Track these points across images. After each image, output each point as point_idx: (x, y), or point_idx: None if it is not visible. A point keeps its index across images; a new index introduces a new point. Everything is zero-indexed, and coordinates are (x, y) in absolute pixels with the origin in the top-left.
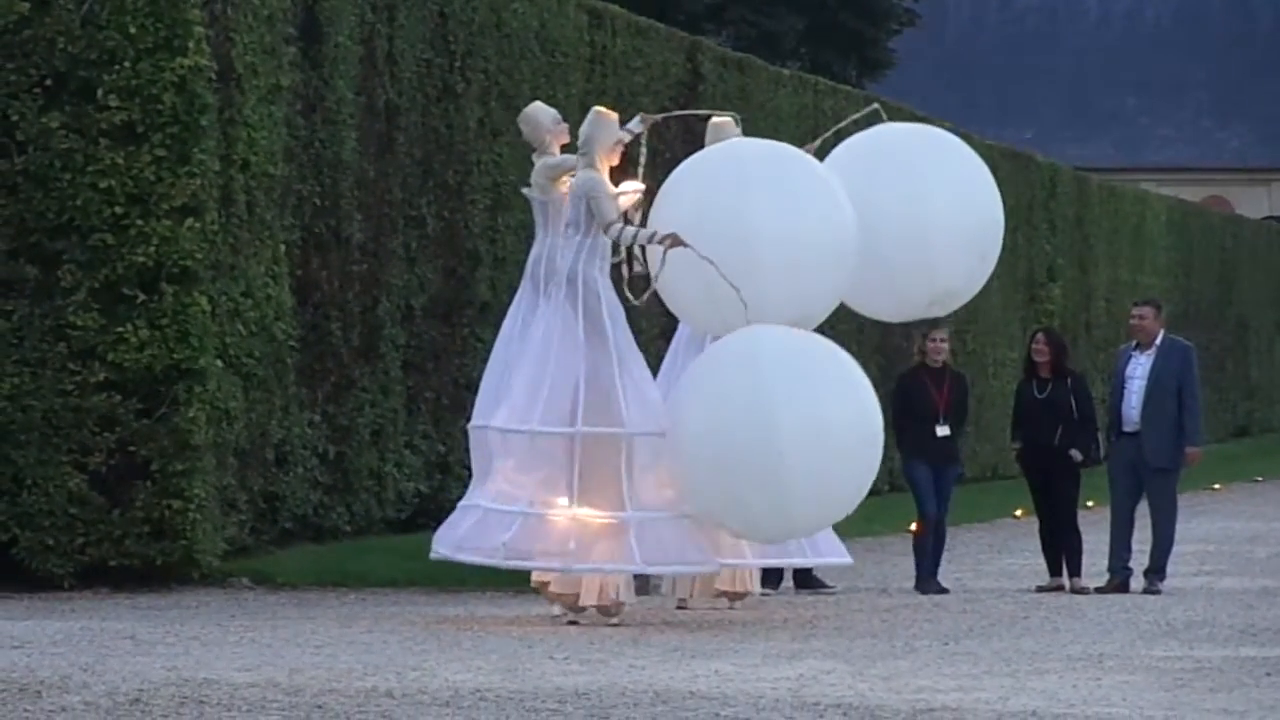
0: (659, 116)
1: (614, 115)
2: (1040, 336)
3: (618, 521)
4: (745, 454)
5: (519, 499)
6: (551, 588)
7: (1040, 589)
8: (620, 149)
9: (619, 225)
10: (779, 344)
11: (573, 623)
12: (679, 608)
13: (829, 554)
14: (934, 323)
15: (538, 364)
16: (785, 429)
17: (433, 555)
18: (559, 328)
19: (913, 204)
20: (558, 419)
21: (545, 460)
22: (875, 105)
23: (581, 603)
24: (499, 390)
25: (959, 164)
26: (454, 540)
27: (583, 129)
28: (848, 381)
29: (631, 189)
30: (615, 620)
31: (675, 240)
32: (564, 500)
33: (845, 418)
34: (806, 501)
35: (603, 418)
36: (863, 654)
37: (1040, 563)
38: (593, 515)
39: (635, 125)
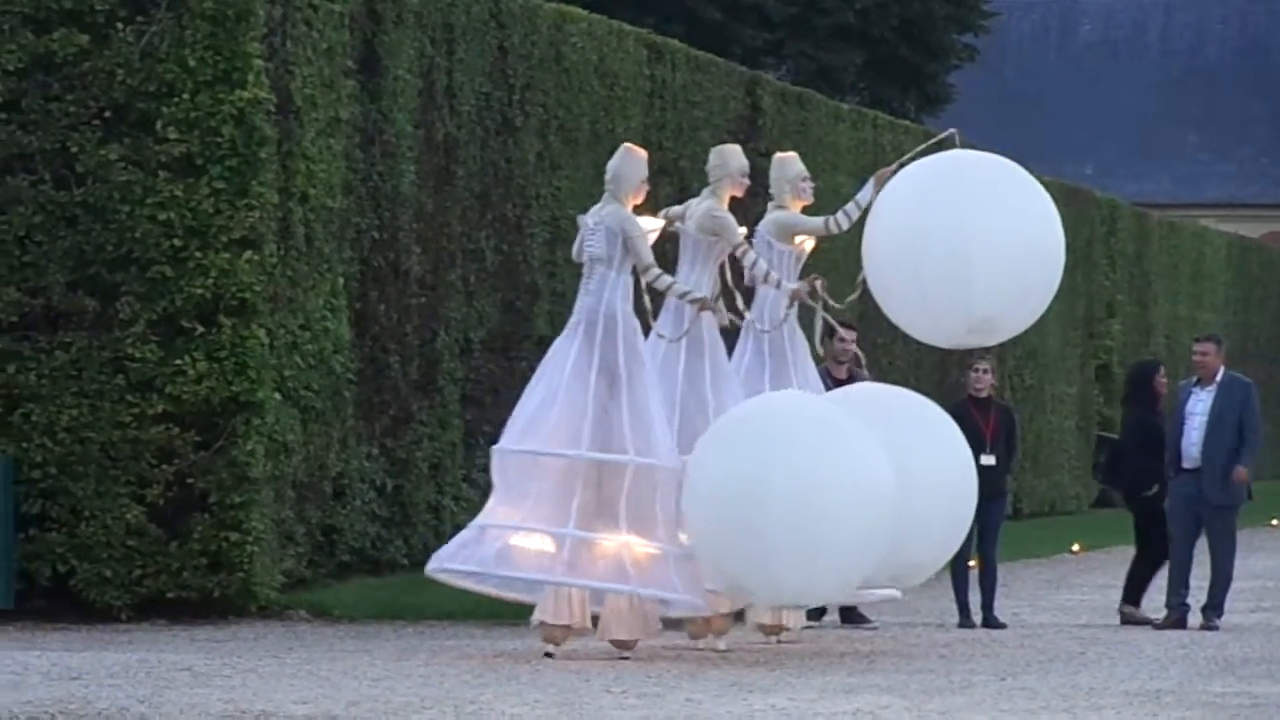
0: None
1: (643, 153)
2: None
3: (661, 552)
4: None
5: (566, 520)
6: (541, 616)
7: (1158, 626)
8: (644, 189)
9: (657, 270)
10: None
11: (549, 655)
12: (776, 638)
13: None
14: (975, 353)
15: (571, 393)
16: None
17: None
18: (584, 362)
19: (957, 225)
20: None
21: (583, 483)
22: (952, 131)
23: (611, 636)
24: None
25: (1019, 193)
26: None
27: (612, 164)
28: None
29: (651, 226)
30: (628, 654)
31: (705, 304)
32: (616, 526)
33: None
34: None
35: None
36: (920, 689)
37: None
38: (640, 544)
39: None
